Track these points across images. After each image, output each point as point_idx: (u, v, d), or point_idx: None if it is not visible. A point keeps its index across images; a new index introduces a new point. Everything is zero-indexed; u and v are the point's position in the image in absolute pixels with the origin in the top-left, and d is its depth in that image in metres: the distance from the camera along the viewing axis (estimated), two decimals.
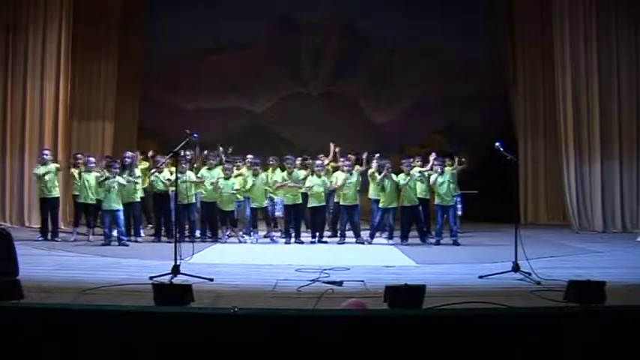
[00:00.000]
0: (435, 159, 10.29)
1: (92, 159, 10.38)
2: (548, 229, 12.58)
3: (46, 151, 10.61)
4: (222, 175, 10.30)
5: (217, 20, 15.74)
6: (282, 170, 10.56)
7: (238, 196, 10.36)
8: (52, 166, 10.37)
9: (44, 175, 10.16)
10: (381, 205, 10.25)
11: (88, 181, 10.19)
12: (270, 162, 10.71)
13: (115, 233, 9.91)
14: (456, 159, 10.58)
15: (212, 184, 10.17)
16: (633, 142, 12.52)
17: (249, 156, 10.85)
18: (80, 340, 3.41)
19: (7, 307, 3.81)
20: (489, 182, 12.21)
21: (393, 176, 10.11)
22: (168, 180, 10.01)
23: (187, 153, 10.29)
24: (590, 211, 12.46)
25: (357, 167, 10.68)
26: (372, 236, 10.29)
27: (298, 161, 10.80)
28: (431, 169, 10.28)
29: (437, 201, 10.14)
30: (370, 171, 10.47)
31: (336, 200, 10.78)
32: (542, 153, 14.12)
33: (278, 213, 10.78)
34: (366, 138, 15.18)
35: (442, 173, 10.11)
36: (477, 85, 15.76)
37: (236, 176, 10.41)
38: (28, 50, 12.56)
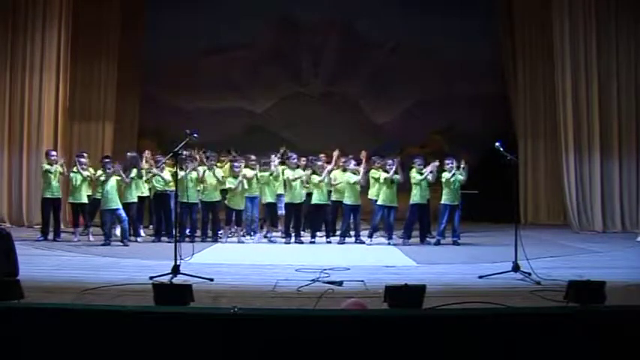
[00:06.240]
0: (447, 158, 10.20)
1: (84, 160, 10.39)
2: (548, 229, 12.57)
3: (52, 153, 10.65)
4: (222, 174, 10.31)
5: (217, 20, 15.73)
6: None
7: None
8: (58, 167, 10.41)
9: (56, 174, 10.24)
10: (379, 203, 10.24)
11: (77, 181, 10.25)
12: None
13: (117, 232, 9.96)
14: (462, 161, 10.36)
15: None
16: (633, 142, 12.54)
17: (252, 157, 10.78)
18: (80, 340, 3.41)
19: (7, 307, 3.81)
20: (489, 182, 12.20)
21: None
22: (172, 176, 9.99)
23: (192, 152, 10.28)
24: (590, 211, 12.45)
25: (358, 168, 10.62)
26: (370, 236, 10.25)
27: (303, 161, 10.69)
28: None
29: (445, 200, 10.08)
30: (375, 173, 10.45)
31: (333, 199, 10.64)
32: (542, 153, 14.11)
33: (280, 212, 10.77)
34: (366, 138, 15.17)
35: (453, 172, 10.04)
36: (477, 85, 15.75)
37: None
38: (27, 51, 12.53)
